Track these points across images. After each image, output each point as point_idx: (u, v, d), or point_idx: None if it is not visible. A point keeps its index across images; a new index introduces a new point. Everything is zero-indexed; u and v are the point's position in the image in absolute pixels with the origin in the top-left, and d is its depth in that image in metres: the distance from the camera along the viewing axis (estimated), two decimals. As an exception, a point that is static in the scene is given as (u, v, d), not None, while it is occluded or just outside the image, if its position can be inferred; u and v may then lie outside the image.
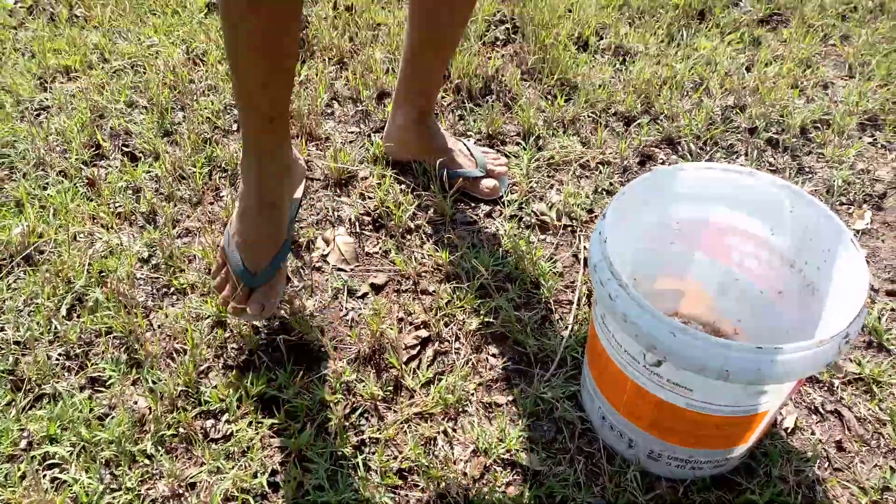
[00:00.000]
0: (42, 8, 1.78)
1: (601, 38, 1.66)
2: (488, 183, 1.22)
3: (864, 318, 0.74)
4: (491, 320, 1.03)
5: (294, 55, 0.85)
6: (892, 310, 1.07)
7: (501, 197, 1.24)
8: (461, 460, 0.87)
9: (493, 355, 1.00)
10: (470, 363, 0.98)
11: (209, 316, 1.03)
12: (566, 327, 1.03)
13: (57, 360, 0.97)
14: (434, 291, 1.08)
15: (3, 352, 0.98)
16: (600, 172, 1.30)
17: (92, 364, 0.97)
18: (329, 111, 1.44)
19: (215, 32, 1.64)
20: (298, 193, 1.07)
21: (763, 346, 0.63)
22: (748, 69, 1.57)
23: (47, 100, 1.45)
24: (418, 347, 1.00)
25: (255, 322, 1.01)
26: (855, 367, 0.98)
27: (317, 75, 1.50)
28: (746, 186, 0.84)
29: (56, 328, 1.01)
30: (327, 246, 1.15)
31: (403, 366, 0.97)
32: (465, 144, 1.26)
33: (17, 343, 0.99)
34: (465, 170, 1.22)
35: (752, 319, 0.93)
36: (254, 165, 0.93)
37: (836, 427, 0.92)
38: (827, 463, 0.88)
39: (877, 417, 0.93)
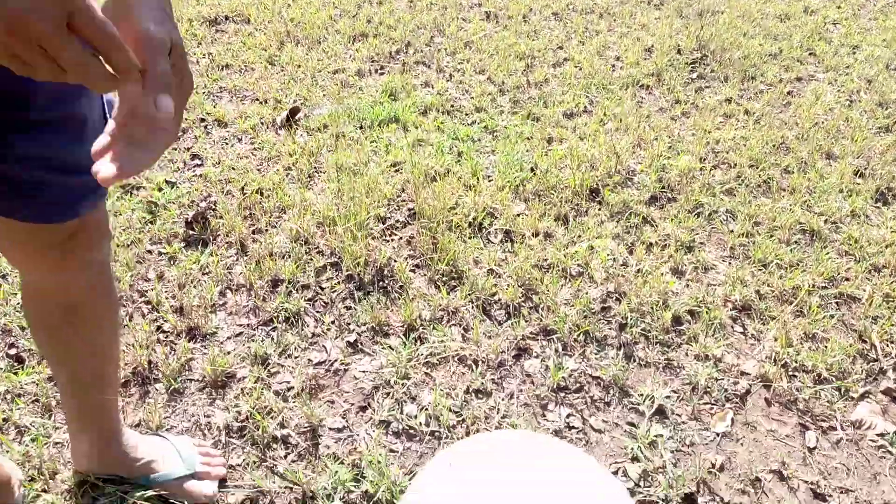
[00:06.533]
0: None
1: (495, 219, 1.75)
2: (196, 487, 1.10)
3: None
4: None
5: None
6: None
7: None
8: None
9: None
10: None
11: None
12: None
13: None
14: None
15: None
16: (473, 371, 1.34)
17: None
18: (222, 301, 1.49)
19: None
20: None
21: None
22: (631, 252, 1.65)
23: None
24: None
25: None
26: None
27: (215, 264, 1.56)
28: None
29: None
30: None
31: None
32: (171, 444, 1.13)
33: None
34: (163, 473, 1.09)
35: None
36: None
37: None
38: None
39: None
